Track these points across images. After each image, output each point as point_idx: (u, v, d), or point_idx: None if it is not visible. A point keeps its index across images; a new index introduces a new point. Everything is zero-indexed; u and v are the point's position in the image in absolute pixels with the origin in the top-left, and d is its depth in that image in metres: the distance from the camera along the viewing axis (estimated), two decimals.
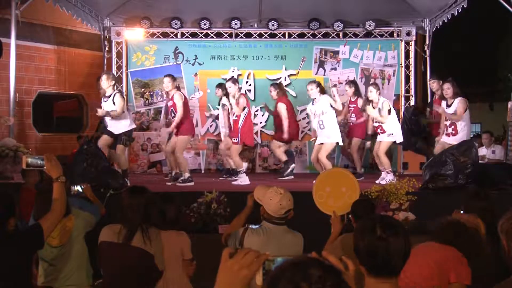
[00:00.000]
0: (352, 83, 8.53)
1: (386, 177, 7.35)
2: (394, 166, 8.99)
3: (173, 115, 7.42)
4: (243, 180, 7.48)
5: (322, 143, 7.57)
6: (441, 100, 7.49)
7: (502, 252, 2.65)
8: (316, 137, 7.74)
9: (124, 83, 9.78)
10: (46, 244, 3.07)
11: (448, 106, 7.14)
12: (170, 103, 7.51)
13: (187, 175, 7.39)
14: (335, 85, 9.36)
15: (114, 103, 6.96)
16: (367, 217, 2.21)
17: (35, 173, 5.63)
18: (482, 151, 8.79)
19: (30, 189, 5.51)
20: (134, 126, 7.46)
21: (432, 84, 8.27)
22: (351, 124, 8.40)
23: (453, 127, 7.10)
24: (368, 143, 8.72)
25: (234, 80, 7.79)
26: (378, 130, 7.60)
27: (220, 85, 8.57)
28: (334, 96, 7.72)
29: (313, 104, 7.69)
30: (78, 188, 4.60)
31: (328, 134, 7.52)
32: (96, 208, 4.31)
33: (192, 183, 7.32)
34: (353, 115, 8.28)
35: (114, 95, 7.01)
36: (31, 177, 5.71)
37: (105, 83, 7.03)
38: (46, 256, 3.57)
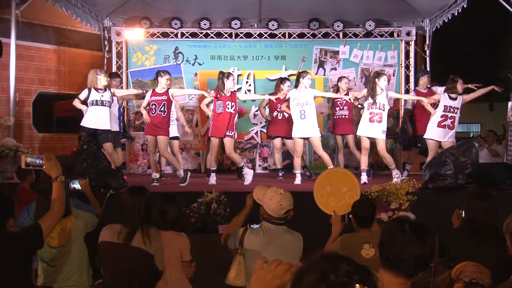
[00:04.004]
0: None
1: (397, 174, 7.32)
2: None
3: (162, 108, 7.23)
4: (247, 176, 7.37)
5: (307, 137, 7.49)
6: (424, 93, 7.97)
7: (505, 252, 2.64)
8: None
9: (124, 83, 9.76)
10: (46, 245, 3.06)
11: (453, 99, 7.23)
12: (161, 98, 7.26)
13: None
14: (334, 85, 9.33)
15: (112, 95, 7.17)
16: (399, 217, 2.26)
17: (31, 172, 5.62)
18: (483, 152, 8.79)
19: (26, 189, 5.50)
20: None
21: (423, 79, 8.33)
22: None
23: (452, 120, 7.18)
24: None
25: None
26: (375, 121, 7.29)
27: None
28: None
29: (297, 91, 7.46)
30: (76, 185, 4.55)
31: (313, 125, 7.39)
32: (91, 209, 4.26)
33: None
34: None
35: (110, 88, 7.13)
36: (27, 178, 5.68)
37: (104, 80, 7.16)
38: (45, 256, 3.55)
